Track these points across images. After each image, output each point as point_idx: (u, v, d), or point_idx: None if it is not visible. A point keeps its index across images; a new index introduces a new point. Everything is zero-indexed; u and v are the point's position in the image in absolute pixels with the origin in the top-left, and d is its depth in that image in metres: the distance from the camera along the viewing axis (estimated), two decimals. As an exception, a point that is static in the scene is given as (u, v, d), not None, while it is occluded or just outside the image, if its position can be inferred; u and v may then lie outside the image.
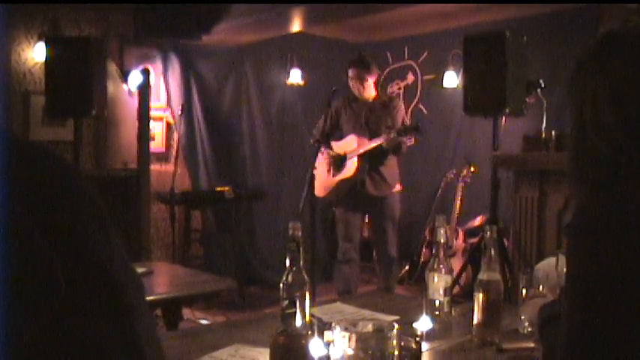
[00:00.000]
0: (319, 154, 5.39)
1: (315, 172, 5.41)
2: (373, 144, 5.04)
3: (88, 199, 0.77)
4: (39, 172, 0.74)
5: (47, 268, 0.68)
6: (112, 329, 0.73)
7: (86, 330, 0.70)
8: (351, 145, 5.19)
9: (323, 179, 5.22)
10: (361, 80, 5.14)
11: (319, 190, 5.20)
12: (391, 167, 5.24)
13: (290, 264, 1.71)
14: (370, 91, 5.22)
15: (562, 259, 1.97)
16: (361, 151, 5.10)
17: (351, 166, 5.16)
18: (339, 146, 5.27)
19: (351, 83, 5.21)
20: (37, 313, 0.67)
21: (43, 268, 0.68)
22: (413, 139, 7.28)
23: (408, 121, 5.42)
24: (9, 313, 0.65)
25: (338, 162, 5.23)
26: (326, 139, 5.33)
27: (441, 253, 2.13)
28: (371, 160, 5.13)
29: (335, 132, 5.37)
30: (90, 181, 0.79)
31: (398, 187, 5.32)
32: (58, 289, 0.68)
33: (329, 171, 5.24)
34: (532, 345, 1.84)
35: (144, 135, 5.56)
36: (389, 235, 5.28)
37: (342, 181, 5.20)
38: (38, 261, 0.68)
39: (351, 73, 5.19)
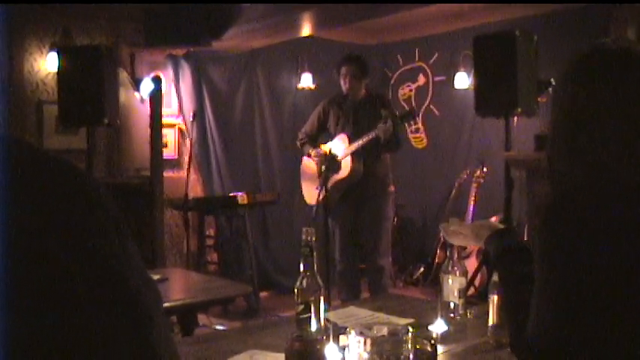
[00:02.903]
0: (304, 158, 5.31)
1: (302, 179, 5.35)
2: (367, 137, 4.83)
3: (105, 210, 0.77)
4: (57, 184, 0.74)
5: (67, 283, 0.68)
6: (131, 340, 0.73)
7: (105, 342, 0.71)
8: (341, 144, 5.01)
9: (314, 185, 5.01)
10: (353, 78, 4.99)
11: (310, 198, 5.04)
12: (385, 166, 5.08)
13: (304, 269, 1.71)
14: (361, 91, 5.08)
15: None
16: (355, 147, 4.91)
17: (345, 166, 4.98)
18: (328, 147, 5.04)
19: (342, 80, 5.05)
20: (56, 326, 0.67)
21: (63, 283, 0.68)
22: (425, 141, 7.29)
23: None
24: (28, 326, 0.65)
25: (330, 163, 4.91)
26: (313, 141, 5.23)
27: (455, 255, 2.13)
28: (365, 159, 4.96)
29: (322, 134, 5.21)
30: (106, 191, 0.79)
31: (392, 188, 5.16)
32: (78, 303, 0.68)
33: (319, 175, 4.96)
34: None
35: (156, 142, 5.57)
36: (380, 242, 5.05)
37: (337, 183, 4.98)
38: (58, 275, 0.68)
39: (343, 70, 5.04)
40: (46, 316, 0.66)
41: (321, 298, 1.71)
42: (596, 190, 1.33)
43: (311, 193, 5.04)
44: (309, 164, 5.25)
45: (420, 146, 7.35)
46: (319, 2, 5.37)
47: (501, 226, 1.75)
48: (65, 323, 0.67)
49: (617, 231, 1.28)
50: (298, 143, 5.37)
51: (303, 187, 5.35)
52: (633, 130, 1.31)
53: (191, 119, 6.23)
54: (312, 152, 5.13)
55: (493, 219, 5.98)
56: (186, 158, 6.43)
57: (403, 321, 2.10)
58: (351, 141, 4.97)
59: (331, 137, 5.14)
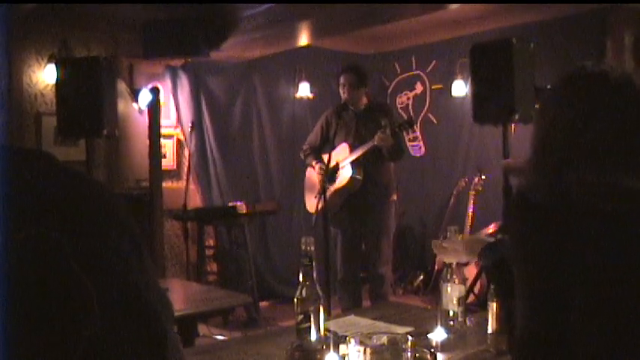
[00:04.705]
0: (309, 169, 5.32)
1: (305, 189, 5.35)
2: (366, 147, 4.87)
3: (123, 223, 0.77)
4: (75, 196, 0.74)
5: (83, 298, 0.68)
6: (148, 356, 0.73)
7: (123, 358, 0.71)
8: (342, 153, 5.02)
9: (315, 194, 5.01)
10: (352, 87, 4.99)
11: (311, 207, 5.03)
12: (388, 175, 5.09)
13: (304, 278, 1.72)
14: (361, 100, 5.09)
15: None
16: (354, 156, 4.94)
17: (344, 175, 4.99)
18: (330, 157, 4.96)
19: (341, 90, 5.06)
20: (71, 343, 0.67)
21: (78, 298, 0.68)
22: (423, 149, 7.30)
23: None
24: (43, 343, 0.66)
25: (330, 173, 4.94)
26: (316, 152, 5.24)
27: (454, 264, 2.14)
28: (365, 167, 4.97)
29: (326, 144, 5.18)
30: (125, 205, 0.79)
31: (394, 197, 5.16)
32: (93, 319, 0.68)
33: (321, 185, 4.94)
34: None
35: (155, 153, 5.57)
36: (382, 251, 5.05)
37: (336, 191, 5.00)
38: (73, 291, 0.68)
39: (342, 79, 5.05)
40: (62, 333, 0.67)
41: (321, 308, 1.72)
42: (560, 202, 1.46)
43: (312, 202, 5.05)
44: (311, 175, 5.26)
45: (418, 154, 7.37)
46: (324, 2, 5.32)
47: (492, 240, 1.80)
48: (82, 340, 0.67)
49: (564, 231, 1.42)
50: (302, 155, 5.38)
51: (305, 197, 5.36)
52: (604, 143, 1.43)
53: (189, 129, 6.24)
54: (314, 162, 5.15)
55: (491, 226, 6.02)
56: (185, 169, 6.44)
57: (403, 329, 2.10)
58: (352, 150, 4.99)
59: (334, 147, 5.14)
